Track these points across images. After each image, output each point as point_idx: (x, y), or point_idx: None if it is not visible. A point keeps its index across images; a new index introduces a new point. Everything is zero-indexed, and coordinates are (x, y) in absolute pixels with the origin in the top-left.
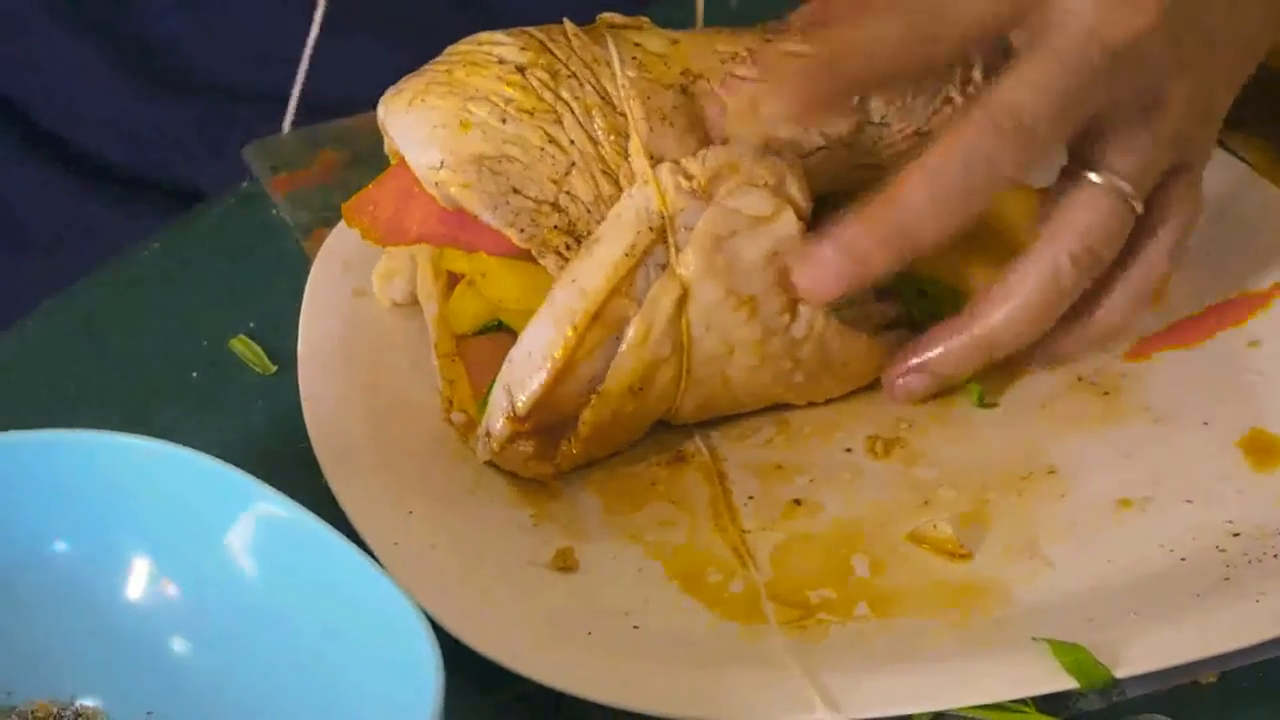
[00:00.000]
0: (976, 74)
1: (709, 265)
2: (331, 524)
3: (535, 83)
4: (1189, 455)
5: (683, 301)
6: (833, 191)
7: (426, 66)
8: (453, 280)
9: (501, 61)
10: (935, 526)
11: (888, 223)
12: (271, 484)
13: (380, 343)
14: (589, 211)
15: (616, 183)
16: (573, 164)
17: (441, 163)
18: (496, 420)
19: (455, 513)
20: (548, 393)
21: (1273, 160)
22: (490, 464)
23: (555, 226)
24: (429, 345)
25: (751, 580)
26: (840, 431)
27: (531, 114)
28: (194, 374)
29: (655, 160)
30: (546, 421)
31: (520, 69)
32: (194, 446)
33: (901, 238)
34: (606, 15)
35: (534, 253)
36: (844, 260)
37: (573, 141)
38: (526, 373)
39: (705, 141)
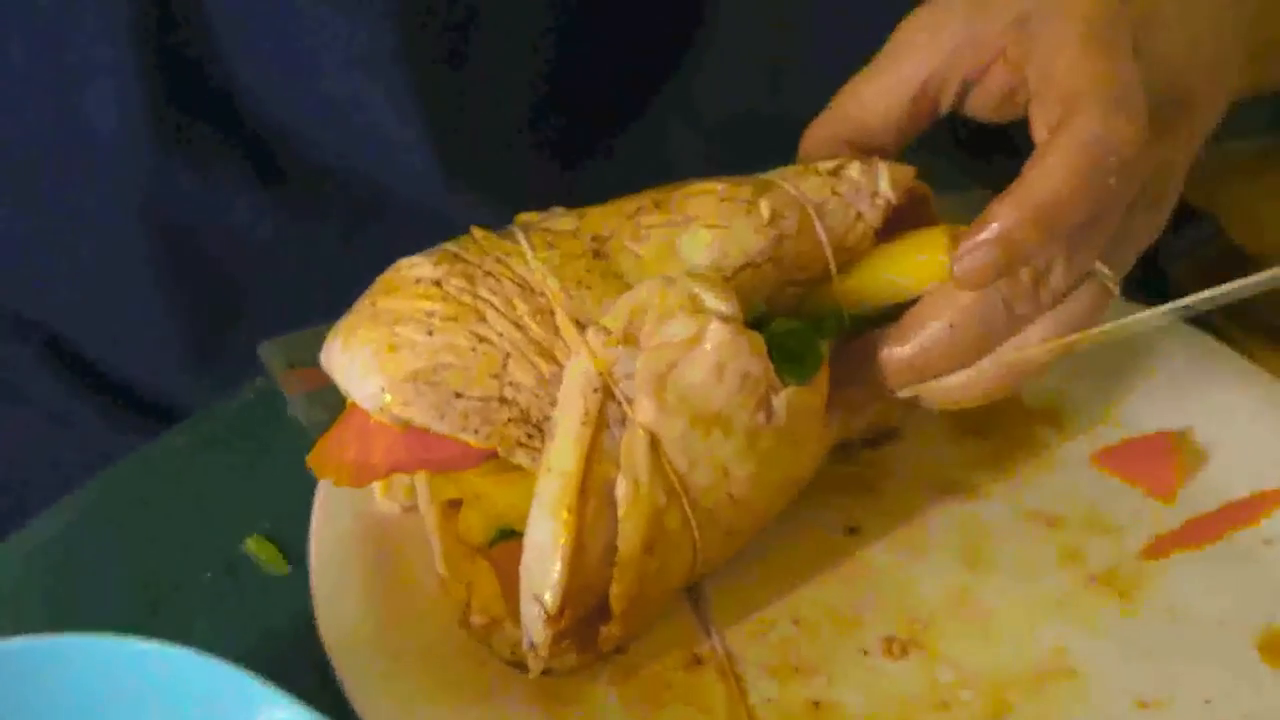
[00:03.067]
0: (853, 173)
1: (661, 404)
2: None
3: (453, 290)
4: (1206, 655)
5: (655, 446)
6: (781, 312)
7: (355, 304)
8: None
9: (418, 280)
10: None
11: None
12: (285, 688)
13: (392, 544)
14: (536, 395)
15: (554, 359)
16: (507, 355)
17: (381, 389)
18: (535, 629)
19: (473, 717)
20: (570, 581)
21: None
22: (512, 664)
23: (510, 419)
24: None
25: None
26: (857, 629)
27: (455, 319)
28: (208, 574)
29: (582, 326)
30: (580, 611)
31: (436, 282)
32: (207, 649)
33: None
34: (520, 215)
35: (500, 451)
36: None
37: (501, 334)
38: (543, 571)
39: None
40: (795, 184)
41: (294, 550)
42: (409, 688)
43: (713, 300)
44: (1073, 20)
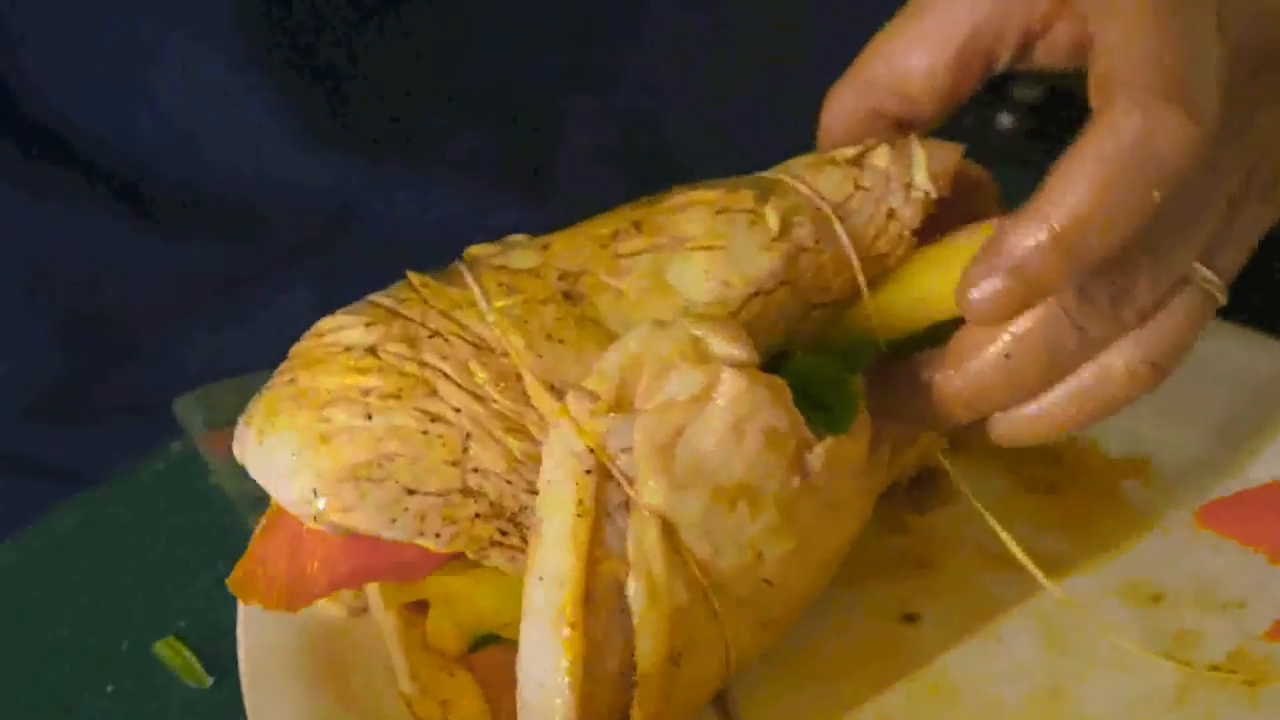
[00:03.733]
0: (880, 160)
1: (671, 480)
2: None
3: (392, 358)
4: None
5: (669, 532)
6: (802, 344)
7: (270, 381)
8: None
9: (348, 349)
10: None
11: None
12: None
13: (339, 653)
14: (509, 482)
15: (528, 434)
16: (467, 435)
17: (314, 491)
18: None
19: None
20: (582, 715)
21: None
22: None
23: (477, 515)
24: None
25: None
26: None
27: (399, 396)
28: (109, 686)
29: (559, 392)
30: None
31: (370, 349)
32: None
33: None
34: (469, 250)
35: (469, 554)
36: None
37: (458, 409)
38: (546, 708)
39: (610, 341)
40: (809, 180)
41: (217, 658)
42: None
43: (720, 344)
44: None
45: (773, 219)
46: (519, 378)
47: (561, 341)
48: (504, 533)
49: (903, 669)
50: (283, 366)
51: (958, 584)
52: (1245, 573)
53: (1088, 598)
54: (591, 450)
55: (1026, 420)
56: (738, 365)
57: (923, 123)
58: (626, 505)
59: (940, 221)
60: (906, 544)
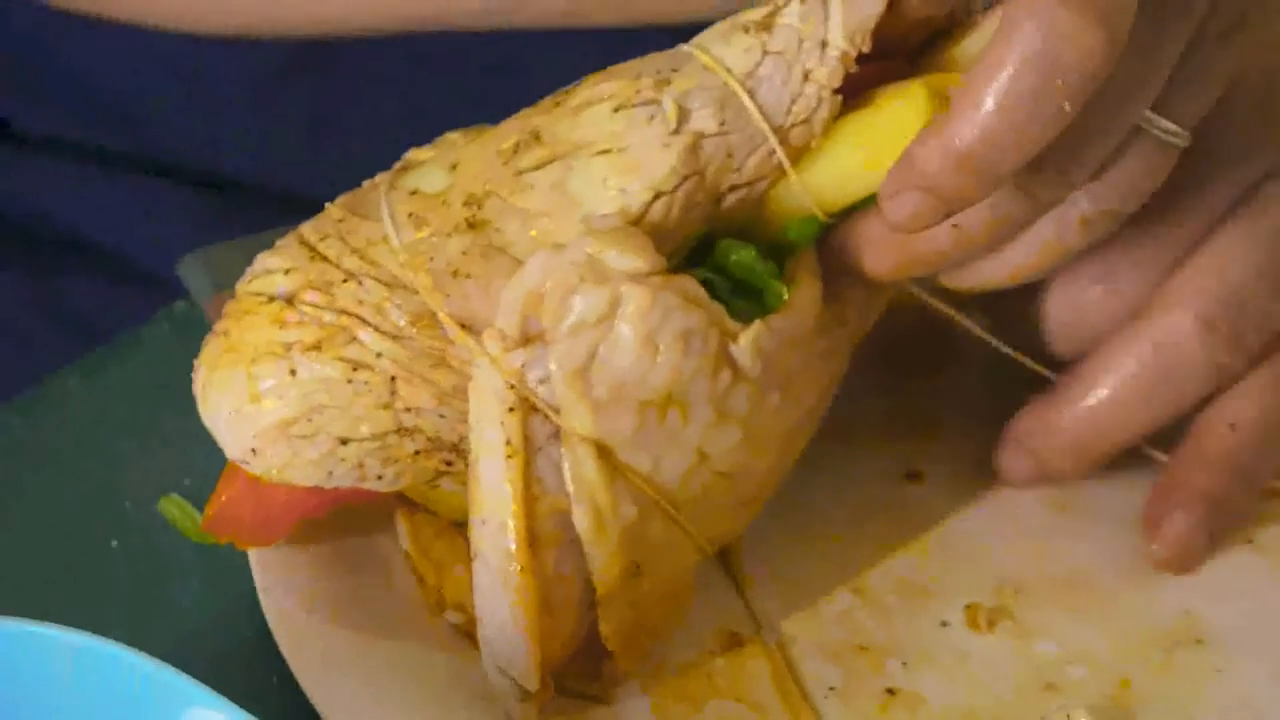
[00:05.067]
0: (790, 18)
1: (595, 403)
2: None
3: (309, 310)
4: None
5: (605, 454)
6: (733, 228)
7: (213, 330)
8: None
9: (271, 299)
10: (1069, 717)
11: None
12: (214, 685)
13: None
14: (442, 416)
15: (452, 368)
16: (392, 378)
17: (252, 451)
18: (511, 707)
19: None
20: (543, 651)
21: None
22: None
23: (417, 452)
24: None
25: None
26: (932, 600)
27: (319, 348)
28: (114, 543)
29: (474, 331)
30: (568, 663)
31: (290, 299)
32: (114, 637)
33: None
34: (408, 154)
35: (413, 495)
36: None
37: (380, 354)
38: (507, 647)
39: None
40: (715, 52)
41: None
42: (380, 689)
43: (618, 258)
44: None
45: (670, 108)
46: (435, 314)
47: (469, 277)
48: (449, 463)
49: (906, 526)
50: (226, 308)
51: (962, 443)
52: None
53: None
54: (511, 386)
55: (987, 268)
56: (639, 276)
57: None
58: (557, 435)
59: (875, 75)
60: (908, 404)
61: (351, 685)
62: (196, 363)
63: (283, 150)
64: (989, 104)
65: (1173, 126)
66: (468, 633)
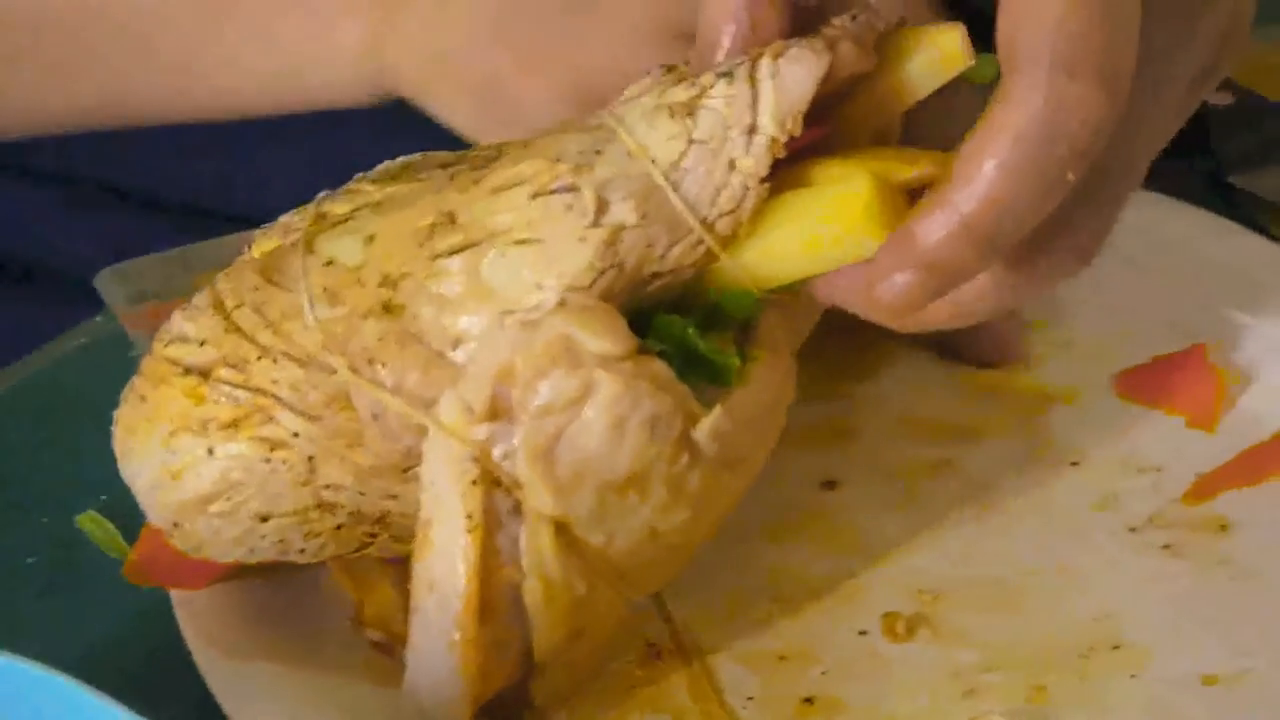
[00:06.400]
0: (716, 102)
1: (557, 483)
2: None
3: (225, 387)
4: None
5: (564, 530)
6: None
7: (132, 381)
8: None
9: (186, 371)
10: None
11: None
12: (130, 703)
13: None
14: (362, 493)
15: (370, 449)
16: (310, 457)
17: (173, 524)
18: None
19: None
20: (475, 708)
21: None
22: None
23: (339, 526)
24: None
25: None
26: (851, 605)
27: (235, 426)
28: (30, 559)
29: (426, 403)
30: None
31: (204, 374)
32: (30, 654)
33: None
34: (313, 217)
35: (334, 568)
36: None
37: (296, 434)
38: (437, 704)
39: (432, 358)
40: (640, 134)
41: (139, 529)
42: (299, 706)
43: (592, 340)
44: None
45: (589, 198)
46: (350, 396)
47: (384, 365)
48: (372, 535)
49: (824, 534)
50: (141, 367)
51: (878, 451)
52: (1163, 437)
53: (1007, 461)
54: (476, 460)
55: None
56: (612, 362)
57: (816, 2)
58: (517, 508)
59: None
60: (825, 413)
61: (269, 703)
62: (116, 416)
63: (195, 164)
64: (992, 172)
65: None
66: (387, 650)
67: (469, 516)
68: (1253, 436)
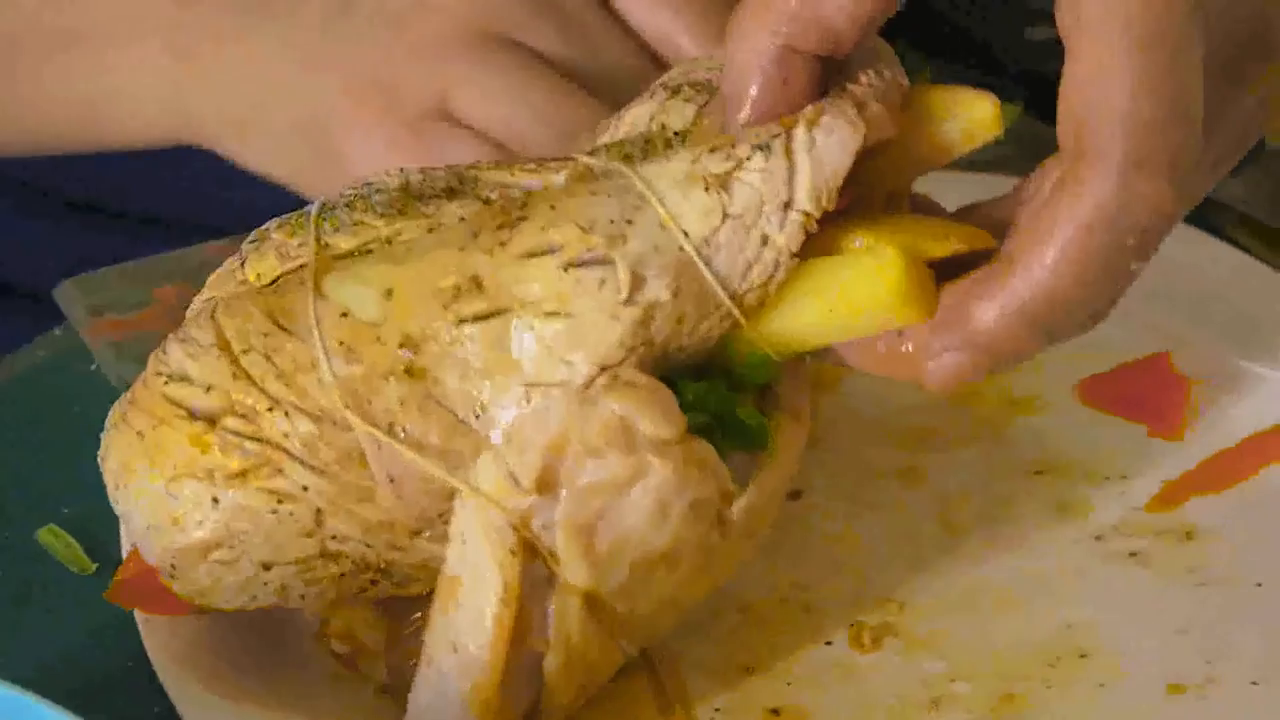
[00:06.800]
0: (752, 177)
1: (596, 559)
2: None
3: (232, 437)
4: (1247, 625)
5: (593, 601)
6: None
7: (123, 408)
8: None
9: (191, 416)
10: None
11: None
12: (90, 718)
13: None
14: (368, 545)
15: (380, 505)
16: (318, 510)
17: (172, 566)
18: None
19: None
20: None
21: None
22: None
23: (342, 575)
24: None
25: None
26: (817, 618)
27: (243, 476)
28: None
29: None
30: None
31: (210, 421)
32: None
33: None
34: (320, 253)
35: (327, 617)
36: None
37: (305, 487)
38: None
39: (455, 424)
40: (672, 206)
41: (100, 545)
42: (260, 717)
43: (646, 424)
44: None
45: (624, 274)
46: (364, 454)
47: (404, 429)
48: (375, 581)
49: (791, 545)
50: (131, 397)
51: (845, 461)
52: (1129, 445)
53: (973, 471)
54: (516, 530)
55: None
56: (665, 448)
57: (845, 56)
58: (550, 579)
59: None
60: None
61: (232, 717)
62: (105, 445)
63: (154, 175)
64: (1057, 262)
65: None
66: (350, 662)
67: (506, 587)
68: (1218, 443)
